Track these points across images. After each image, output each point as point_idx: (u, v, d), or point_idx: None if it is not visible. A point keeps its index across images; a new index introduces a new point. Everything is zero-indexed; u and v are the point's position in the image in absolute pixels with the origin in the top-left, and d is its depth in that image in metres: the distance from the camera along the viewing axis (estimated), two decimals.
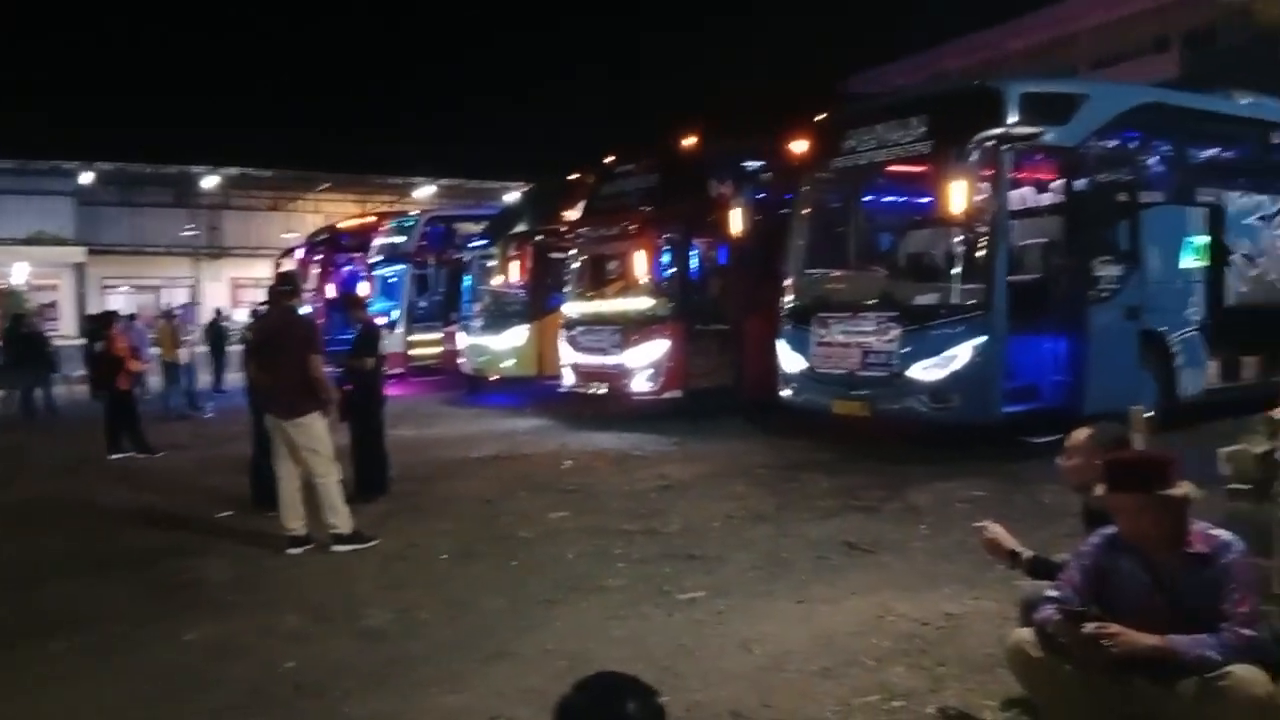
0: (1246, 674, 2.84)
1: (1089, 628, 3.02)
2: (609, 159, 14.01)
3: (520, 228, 16.02)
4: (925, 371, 8.93)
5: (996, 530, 3.82)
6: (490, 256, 16.36)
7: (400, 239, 20.18)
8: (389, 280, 19.87)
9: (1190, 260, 10.10)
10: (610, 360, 12.43)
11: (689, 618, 5.17)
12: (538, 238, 15.44)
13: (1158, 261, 9.74)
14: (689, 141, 12.88)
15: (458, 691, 4.34)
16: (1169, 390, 9.78)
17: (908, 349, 9.04)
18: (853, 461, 8.98)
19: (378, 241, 20.42)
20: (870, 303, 9.56)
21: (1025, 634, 3.30)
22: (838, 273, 10.64)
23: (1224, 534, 3.12)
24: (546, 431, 12.02)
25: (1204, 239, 10.17)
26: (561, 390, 13.52)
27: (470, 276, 17.11)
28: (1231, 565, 3.01)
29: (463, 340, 16.60)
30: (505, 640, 4.91)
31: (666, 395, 11.97)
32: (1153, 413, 8.41)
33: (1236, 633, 2.91)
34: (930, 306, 9.13)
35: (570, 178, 15.91)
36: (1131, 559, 3.19)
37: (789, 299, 10.50)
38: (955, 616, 4.93)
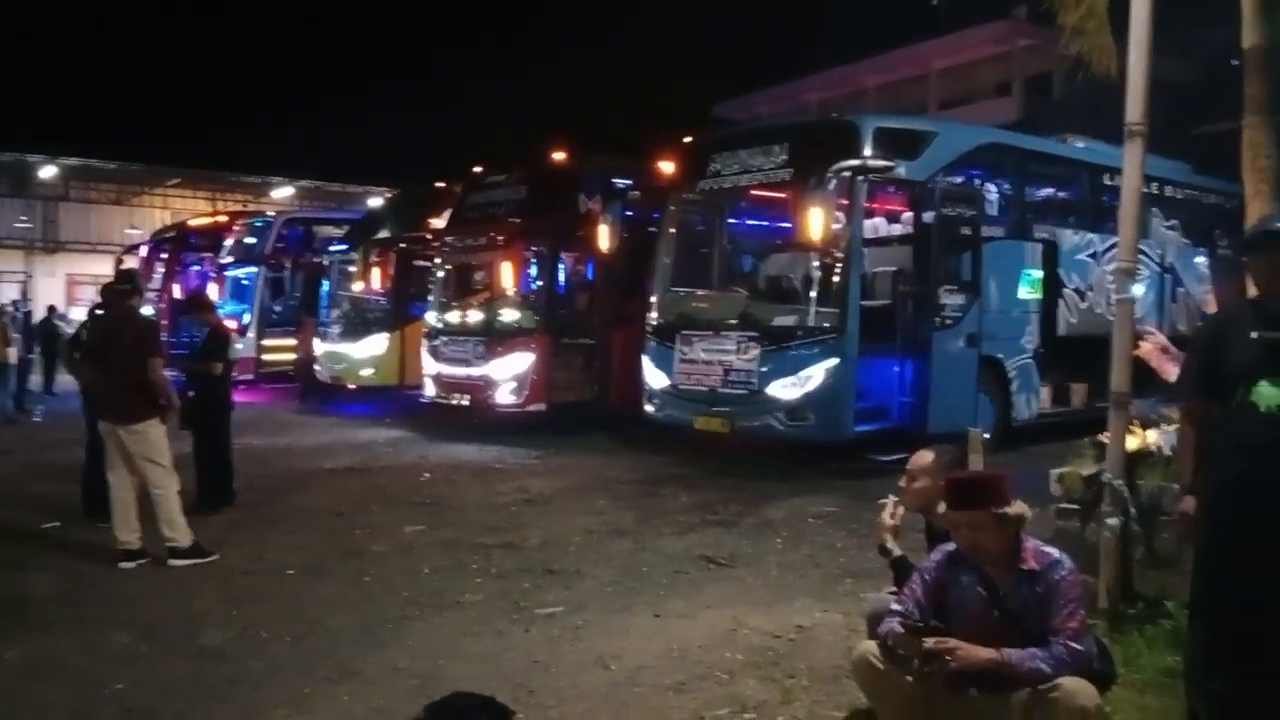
0: (1074, 685, 3.02)
1: (929, 643, 3.14)
2: (478, 169, 13.87)
3: (384, 234, 15.66)
4: (783, 390, 9.19)
5: (887, 519, 3.89)
6: (351, 262, 15.91)
7: (254, 240, 19.37)
8: (241, 282, 19.03)
9: (1026, 292, 10.78)
10: (474, 371, 12.27)
11: (546, 633, 5.12)
12: (402, 245, 15.12)
13: (997, 292, 10.35)
14: (559, 156, 12.89)
15: (302, 713, 4.16)
16: (1005, 414, 10.39)
17: (766, 368, 9.30)
18: (712, 477, 9.14)
19: (230, 242, 19.52)
20: (732, 322, 9.79)
21: (870, 646, 3.40)
22: (702, 292, 10.86)
23: (1054, 551, 3.31)
24: (406, 443, 11.73)
25: (1039, 273, 10.88)
26: (423, 401, 13.24)
27: (329, 281, 16.59)
28: (1061, 581, 3.19)
29: (320, 347, 16.05)
30: (354, 659, 4.74)
31: (530, 408, 11.90)
32: (989, 435, 8.92)
33: (1066, 645, 3.09)
34: (788, 328, 9.42)
35: (437, 185, 15.67)
36: (970, 574, 3.35)
37: (654, 316, 10.63)
38: (805, 629, 5.06)
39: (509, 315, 12.28)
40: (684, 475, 9.30)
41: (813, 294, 9.37)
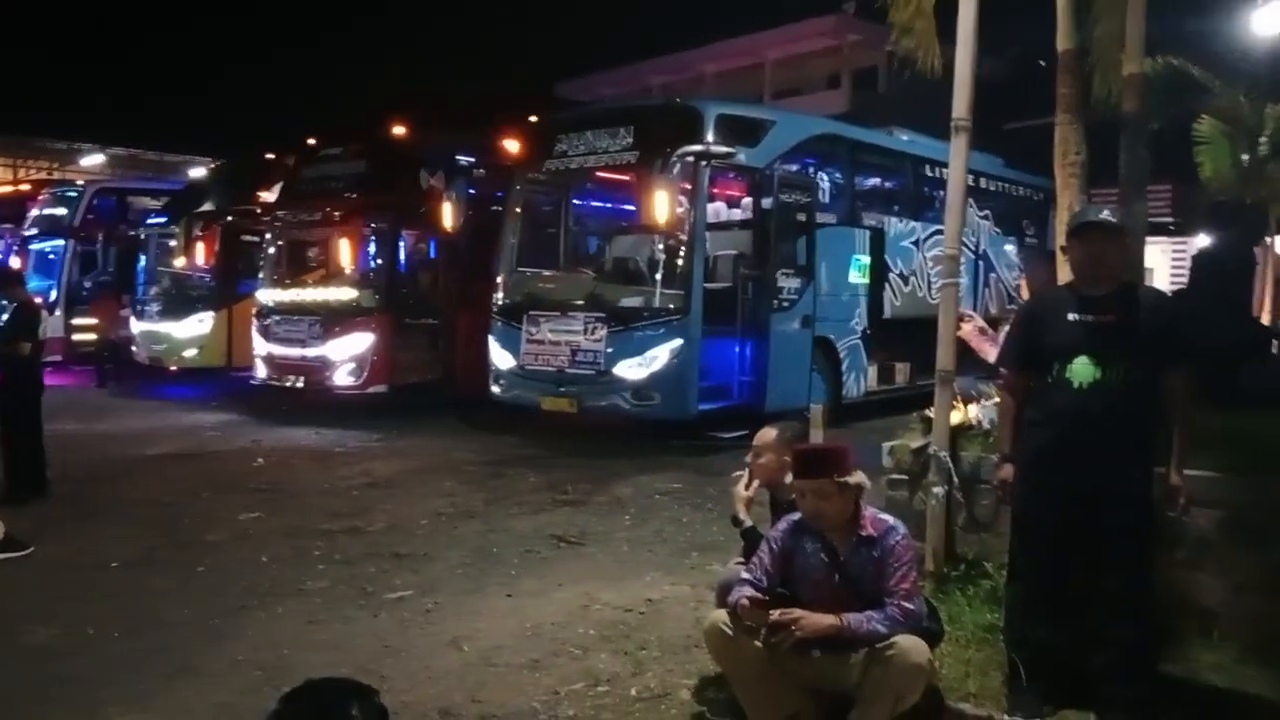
0: (908, 643, 3.25)
1: (775, 615, 3.31)
2: (312, 141, 13.33)
3: (208, 206, 14.82)
4: (629, 370, 9.35)
5: (741, 490, 4.05)
6: (171, 235, 14.98)
7: (61, 210, 17.87)
8: (47, 256, 17.57)
9: (856, 276, 11.35)
10: (310, 352, 11.84)
11: (396, 618, 5.05)
12: (229, 218, 14.37)
13: (829, 276, 10.86)
14: (400, 130, 12.55)
15: (139, 711, 3.95)
16: (837, 391, 10.93)
17: (613, 349, 9.42)
18: (560, 457, 9.19)
19: (35, 212, 17.97)
20: (579, 303, 9.85)
21: (720, 615, 3.54)
22: (548, 273, 10.86)
23: (889, 519, 3.55)
24: (236, 427, 11.18)
25: (868, 258, 11.47)
26: (253, 383, 12.66)
27: (146, 256, 15.58)
28: (896, 546, 3.42)
29: (137, 326, 15.06)
30: (192, 654, 4.53)
31: (371, 390, 11.60)
32: (821, 408, 9.30)
33: (900, 606, 3.32)
34: (634, 309, 9.57)
35: (267, 157, 14.96)
36: (813, 541, 3.54)
37: (500, 296, 10.56)
38: (655, 602, 5.20)
39: (347, 294, 11.90)
40: (532, 456, 9.31)
41: (658, 276, 9.56)
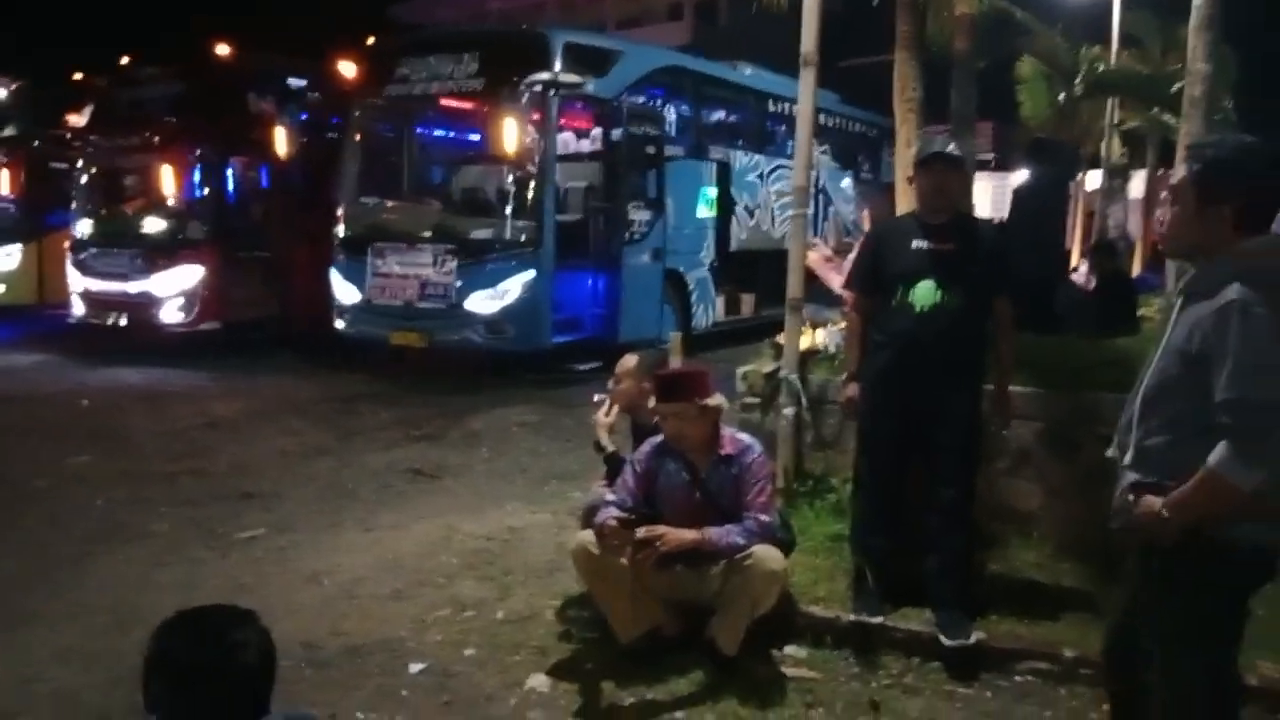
0: (764, 553, 3.45)
1: (640, 532, 3.43)
2: (126, 60, 12.30)
3: (9, 131, 13.51)
4: (481, 303, 9.25)
5: (602, 417, 4.20)
6: None
7: None
8: None
9: (704, 209, 11.55)
10: (132, 287, 11.07)
11: (248, 556, 4.93)
12: (35, 143, 13.16)
13: (678, 209, 11.00)
14: (223, 50, 11.74)
15: None
16: (686, 323, 11.16)
17: (464, 281, 9.28)
18: (411, 393, 9.03)
19: None
20: (427, 235, 9.61)
21: (586, 536, 3.65)
22: (393, 203, 10.52)
23: (746, 438, 3.72)
24: (54, 368, 10.37)
25: (715, 191, 11.67)
26: (71, 321, 11.78)
27: None
28: (753, 463, 3.60)
29: None
30: (29, 603, 4.29)
31: (202, 327, 11.00)
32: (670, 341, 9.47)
33: (757, 519, 3.51)
34: (485, 241, 9.43)
35: (75, 78, 13.72)
36: (675, 462, 3.68)
37: (342, 228, 10.18)
38: (517, 530, 5.26)
39: (172, 225, 11.16)
40: (381, 392, 9.12)
41: (508, 207, 9.43)
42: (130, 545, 5.06)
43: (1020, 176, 9.48)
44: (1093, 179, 14.89)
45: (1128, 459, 2.39)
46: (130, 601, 4.31)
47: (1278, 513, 2.25)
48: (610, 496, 3.71)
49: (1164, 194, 2.43)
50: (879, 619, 3.71)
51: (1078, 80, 10.83)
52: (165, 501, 5.80)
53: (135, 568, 4.76)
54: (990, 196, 17.25)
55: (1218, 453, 2.18)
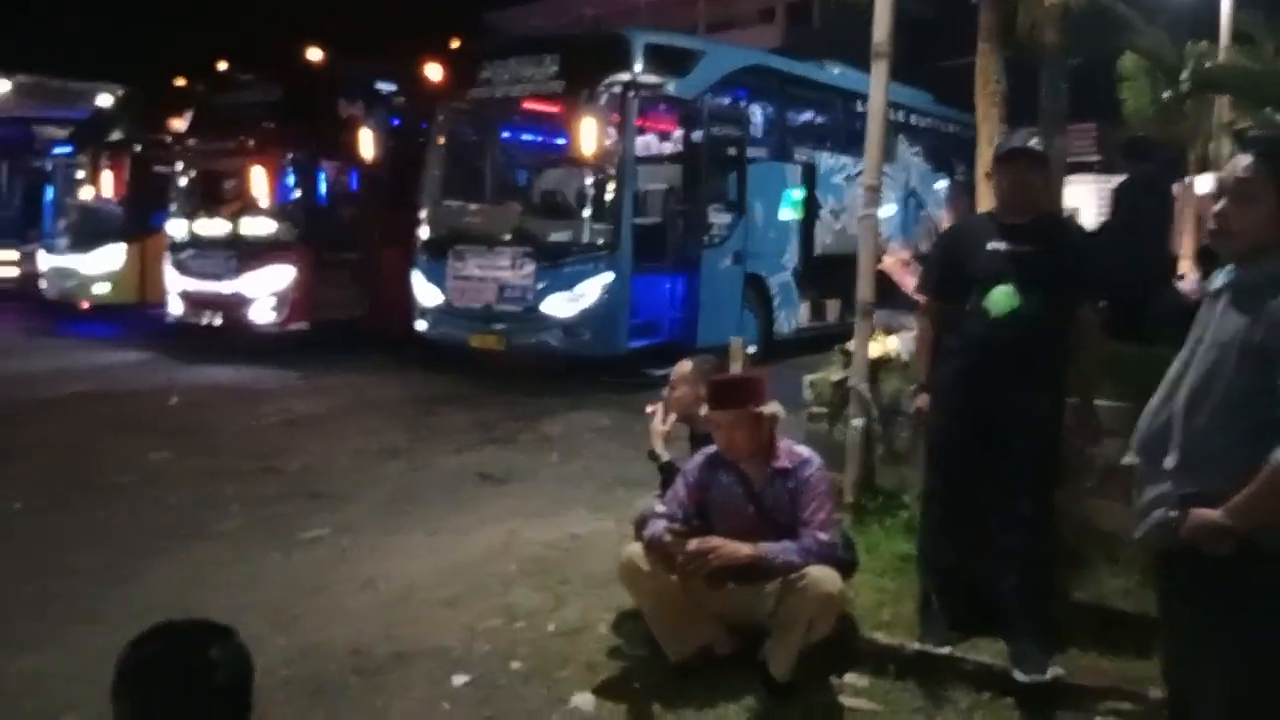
0: (820, 574, 3.25)
1: (693, 544, 3.28)
2: (224, 66, 12.71)
3: (116, 135, 14.11)
4: (558, 306, 9.20)
5: (658, 425, 4.06)
6: (78, 166, 14.26)
7: None
8: None
9: (787, 212, 11.29)
10: (226, 288, 11.42)
11: (311, 558, 4.94)
12: (138, 147, 13.70)
13: (761, 212, 10.78)
14: (316, 56, 12.02)
15: (30, 653, 3.80)
16: (768, 328, 10.93)
17: (542, 284, 9.25)
18: (488, 395, 9.04)
19: None
20: (506, 237, 9.62)
21: (635, 549, 3.51)
22: (474, 206, 10.57)
23: (805, 450, 3.53)
24: (150, 366, 10.76)
25: (799, 194, 11.41)
26: (169, 321, 12.20)
27: (53, 188, 14.84)
28: (811, 478, 3.41)
29: (45, 261, 14.40)
30: (94, 598, 4.38)
31: (292, 327, 11.26)
32: (755, 348, 9.33)
33: (815, 537, 3.31)
34: (563, 244, 9.38)
35: (176, 84, 14.25)
36: (729, 474, 3.51)
37: (425, 230, 10.28)
38: (579, 537, 5.15)
39: (264, 226, 11.46)
40: (459, 394, 9.15)
41: (587, 210, 9.36)
42: (197, 543, 5.13)
43: (1121, 179, 8.99)
44: (1203, 182, 14.05)
45: (1169, 464, 2.20)
46: (188, 601, 4.32)
47: None
48: (660, 509, 3.57)
49: (1221, 188, 2.23)
50: (947, 649, 3.46)
51: (1183, 77, 10.20)
52: (237, 499, 5.89)
53: (199, 567, 4.80)
54: (1094, 200, 16.52)
55: None
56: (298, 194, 11.53)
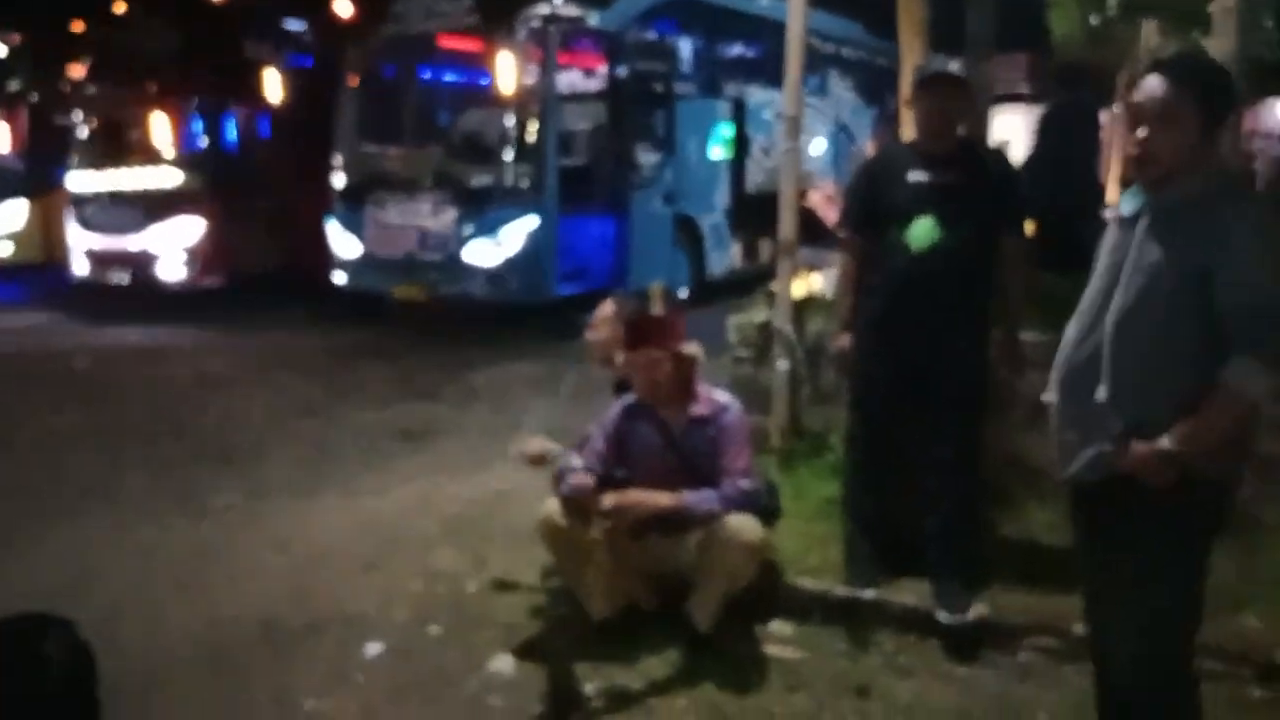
0: (740, 522, 3.14)
1: (609, 499, 3.13)
2: (120, 9, 11.97)
3: (12, 86, 13.26)
4: (482, 253, 8.92)
5: (532, 447, 3.63)
6: None
7: None
8: None
9: (718, 150, 11.06)
10: (132, 243, 10.86)
11: (220, 522, 4.72)
12: (34, 98, 12.92)
13: (690, 151, 10.53)
14: None
15: None
16: (700, 270, 10.75)
17: (465, 230, 8.95)
18: (411, 348, 8.75)
19: None
20: (426, 182, 9.26)
21: (553, 505, 3.36)
22: (392, 150, 10.15)
23: (724, 396, 3.39)
24: (55, 327, 10.19)
25: (729, 131, 11.16)
26: (74, 280, 11.61)
27: None
28: (730, 424, 3.28)
29: None
30: None
31: (205, 282, 10.78)
32: (687, 290, 9.15)
33: (736, 484, 3.19)
34: (486, 188, 9.06)
35: (72, 29, 13.42)
36: (647, 422, 3.37)
37: (340, 177, 9.86)
38: (504, 493, 4.97)
39: (171, 177, 10.88)
40: (382, 347, 8.84)
41: (509, 152, 9.03)
42: (101, 508, 4.87)
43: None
44: None
45: (1102, 396, 2.11)
46: (87, 568, 4.13)
47: (1245, 439, 2.15)
48: (577, 462, 3.41)
49: (1139, 114, 2.12)
50: (871, 592, 3.39)
51: (1111, 1, 10.14)
52: (144, 462, 5.60)
53: (101, 534, 4.57)
54: (1026, 131, 16.53)
55: (1234, 365, 1.98)
56: (205, 141, 10.97)
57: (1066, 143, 6.25)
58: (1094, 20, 10.50)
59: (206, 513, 4.83)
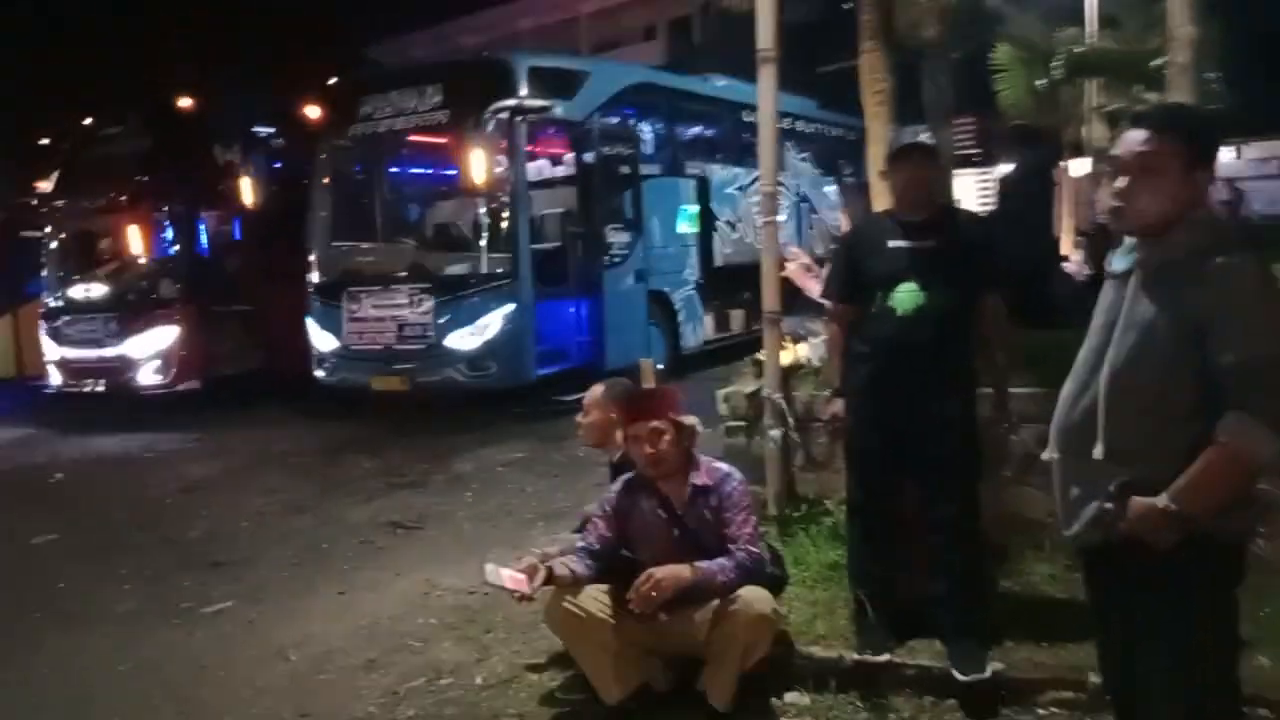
0: (752, 595, 3.14)
1: (632, 596, 3.07)
2: (89, 120, 12.10)
3: None
4: (461, 341, 8.96)
5: (504, 574, 3.24)
6: None
7: None
8: None
9: (685, 226, 11.28)
10: (108, 352, 10.81)
11: (215, 633, 4.63)
12: (3, 214, 12.95)
13: (659, 228, 10.74)
14: (187, 102, 11.53)
15: None
16: (675, 343, 10.87)
17: (442, 320, 9.01)
18: (395, 438, 8.74)
19: None
20: (402, 275, 9.35)
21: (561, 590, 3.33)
22: (366, 245, 10.26)
23: (724, 466, 3.42)
24: (30, 442, 10.06)
25: (694, 207, 11.41)
26: (49, 392, 11.49)
27: None
28: (733, 492, 3.30)
29: None
30: None
31: (183, 387, 10.72)
32: (663, 364, 9.21)
33: (747, 551, 3.21)
34: (461, 276, 9.17)
35: (40, 143, 13.56)
36: (649, 498, 3.38)
37: (315, 274, 9.92)
38: None
39: (144, 285, 10.91)
40: (364, 439, 8.82)
41: (483, 240, 9.16)
42: (91, 627, 4.77)
43: (1006, 169, 9.21)
44: (1078, 165, 14.60)
45: (1098, 454, 2.12)
46: (86, 691, 4.03)
47: (1256, 496, 2.11)
48: (581, 543, 3.41)
49: (1119, 166, 2.17)
50: (885, 656, 3.38)
51: (1055, 64, 10.57)
52: (131, 577, 5.50)
53: (94, 652, 4.46)
54: (974, 192, 16.99)
55: (1231, 424, 1.96)
56: (177, 247, 11.02)
57: (1026, 203, 6.47)
58: (1040, 83, 10.95)
59: (201, 623, 4.74)
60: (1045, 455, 2.32)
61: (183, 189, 10.94)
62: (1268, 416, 1.96)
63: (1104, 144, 14.20)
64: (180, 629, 4.68)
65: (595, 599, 3.29)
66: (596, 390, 3.93)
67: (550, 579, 3.18)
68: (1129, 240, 2.24)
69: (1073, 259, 10.49)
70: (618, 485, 3.46)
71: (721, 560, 3.19)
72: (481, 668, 3.95)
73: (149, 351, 10.59)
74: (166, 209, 10.99)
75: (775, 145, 4.45)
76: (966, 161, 14.59)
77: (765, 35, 4.33)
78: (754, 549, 3.24)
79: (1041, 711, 3.22)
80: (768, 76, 4.32)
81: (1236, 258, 2.03)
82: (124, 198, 11.09)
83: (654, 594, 3.05)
